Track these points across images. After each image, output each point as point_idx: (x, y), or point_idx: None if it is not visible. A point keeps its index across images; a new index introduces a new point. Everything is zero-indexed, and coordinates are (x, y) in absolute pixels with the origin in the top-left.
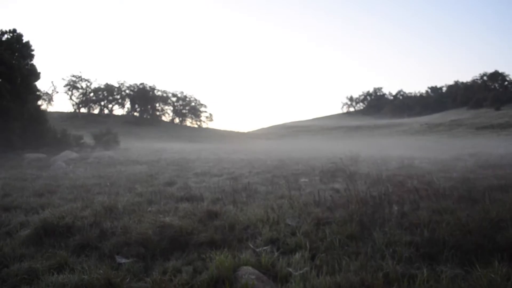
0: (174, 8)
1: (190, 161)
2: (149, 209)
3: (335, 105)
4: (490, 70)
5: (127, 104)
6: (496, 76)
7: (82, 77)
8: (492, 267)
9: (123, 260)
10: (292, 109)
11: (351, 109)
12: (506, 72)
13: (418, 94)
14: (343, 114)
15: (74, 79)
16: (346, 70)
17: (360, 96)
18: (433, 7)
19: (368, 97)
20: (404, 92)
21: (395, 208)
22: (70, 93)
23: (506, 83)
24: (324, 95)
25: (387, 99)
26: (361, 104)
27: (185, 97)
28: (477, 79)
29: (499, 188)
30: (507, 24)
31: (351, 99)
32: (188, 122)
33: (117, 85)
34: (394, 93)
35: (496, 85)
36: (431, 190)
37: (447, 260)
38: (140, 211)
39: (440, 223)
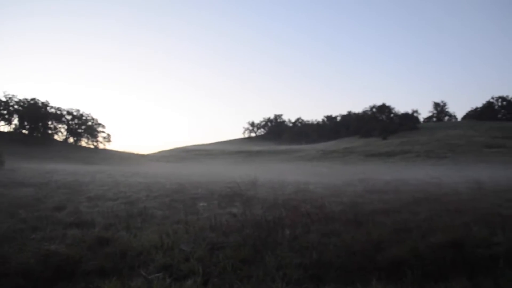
0: (67, 20)
1: (83, 184)
2: (33, 236)
3: (237, 130)
4: (379, 102)
5: (15, 121)
6: (384, 109)
7: None
8: (370, 285)
9: None
10: (193, 133)
11: (253, 134)
12: (392, 105)
13: (315, 122)
14: (245, 139)
15: None
16: (248, 97)
17: (261, 122)
18: (326, 44)
19: (269, 123)
20: (303, 120)
21: (287, 231)
22: None
23: (392, 115)
24: (226, 120)
25: (286, 125)
26: (262, 129)
27: (81, 115)
28: (367, 110)
29: (383, 212)
30: (391, 61)
31: (252, 124)
32: (84, 142)
33: (4, 99)
34: (293, 120)
35: (384, 116)
36: (322, 214)
37: (333, 280)
38: (22, 239)
39: (328, 245)
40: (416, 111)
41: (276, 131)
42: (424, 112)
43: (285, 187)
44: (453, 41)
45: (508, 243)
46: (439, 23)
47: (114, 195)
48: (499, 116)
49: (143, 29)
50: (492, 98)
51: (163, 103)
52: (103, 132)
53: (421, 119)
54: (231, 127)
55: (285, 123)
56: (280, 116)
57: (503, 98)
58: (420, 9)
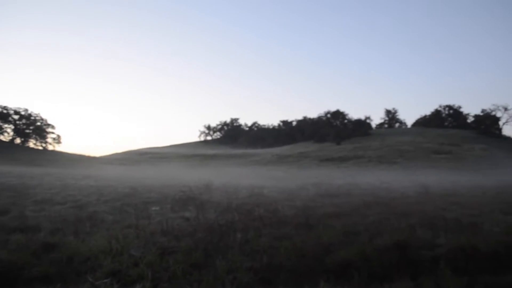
0: (21, 19)
1: (30, 187)
2: None
3: (192, 133)
4: (333, 108)
5: None
6: (338, 114)
7: None
8: (318, 287)
9: None
10: (148, 135)
11: (208, 138)
12: (346, 112)
13: (271, 127)
14: (200, 142)
15: None
16: (204, 100)
17: (217, 125)
18: (283, 49)
19: (225, 127)
20: (259, 124)
21: (239, 235)
22: None
23: (345, 121)
24: (182, 123)
25: (243, 129)
26: (218, 133)
27: (30, 115)
28: (322, 116)
29: (334, 215)
30: (346, 68)
31: (208, 128)
32: (32, 144)
33: None
34: (249, 125)
35: (338, 122)
36: (275, 218)
37: (282, 283)
38: None
39: (279, 249)
40: (368, 118)
41: (232, 135)
42: (376, 118)
43: (240, 191)
44: (403, 50)
45: (449, 245)
46: (389, 34)
47: (63, 198)
48: (446, 124)
49: (97, 27)
50: (440, 106)
51: (117, 104)
52: (52, 133)
53: (374, 126)
54: (187, 130)
55: (242, 127)
56: (236, 120)
57: (450, 107)
58: (372, 19)
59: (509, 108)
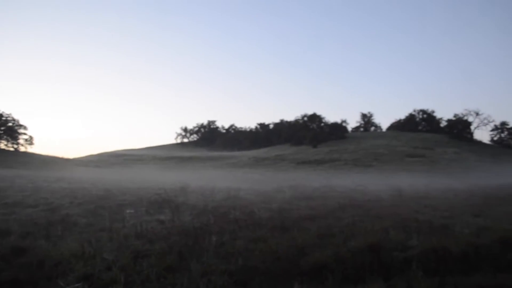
0: None
1: (0, 189)
2: None
3: (169, 135)
4: (310, 112)
5: None
6: (314, 118)
7: None
8: None
9: None
10: (123, 137)
11: (185, 140)
12: (323, 115)
13: (248, 129)
14: (177, 144)
15: None
16: (181, 102)
17: (194, 127)
18: (260, 52)
19: (202, 129)
20: (236, 127)
21: (214, 238)
22: None
23: (322, 124)
24: (158, 125)
25: (220, 132)
26: (195, 135)
27: (1, 116)
28: (299, 119)
29: (309, 218)
30: (323, 71)
31: (185, 130)
32: (3, 145)
33: None
34: (226, 127)
35: (314, 125)
36: (250, 220)
37: (257, 285)
38: None
39: (254, 251)
40: (345, 121)
41: (209, 137)
42: (352, 122)
43: (216, 194)
44: (379, 55)
45: (421, 247)
46: (366, 39)
47: (35, 201)
48: (420, 128)
49: (72, 25)
50: (414, 110)
51: (91, 105)
52: (24, 134)
53: (350, 129)
54: (163, 132)
55: (219, 129)
56: (213, 122)
57: (423, 111)
58: (349, 23)
59: (480, 113)
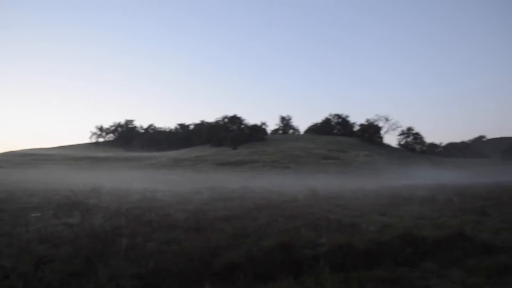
0: None
1: None
2: None
3: (83, 135)
4: (231, 113)
5: None
6: (235, 119)
7: None
8: None
9: None
10: (32, 135)
11: (101, 140)
12: (243, 117)
13: (168, 130)
14: (92, 144)
15: None
16: (96, 99)
17: (111, 126)
18: (179, 53)
19: (119, 129)
20: (155, 127)
21: (125, 241)
22: None
23: (242, 126)
24: (71, 123)
25: (138, 132)
26: (111, 135)
27: None
28: (219, 120)
29: (225, 219)
30: (244, 74)
31: (101, 129)
32: None
33: None
34: (145, 127)
35: (235, 127)
36: (165, 222)
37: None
38: None
39: (166, 253)
40: (264, 124)
41: (126, 137)
42: (272, 124)
43: (131, 195)
44: (298, 60)
45: (329, 244)
46: (286, 44)
47: None
48: (335, 131)
49: None
50: (330, 115)
51: None
52: None
53: (269, 131)
54: (77, 131)
55: (137, 129)
56: (131, 121)
57: (338, 116)
58: (270, 25)
59: (389, 118)
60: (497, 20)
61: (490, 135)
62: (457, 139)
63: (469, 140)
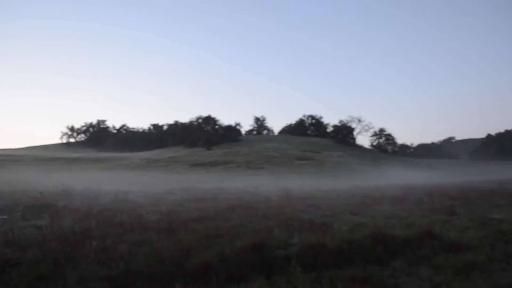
0: None
1: None
2: None
3: (53, 135)
4: (205, 114)
5: None
6: (209, 120)
7: None
8: None
9: None
10: None
11: (72, 140)
12: (217, 117)
13: (141, 130)
14: (62, 144)
15: None
16: (68, 99)
17: (82, 127)
18: (154, 52)
19: (91, 129)
20: (128, 127)
21: (95, 243)
22: None
23: (216, 126)
24: (41, 123)
25: (110, 132)
26: (82, 135)
27: None
28: (193, 121)
29: (198, 219)
30: (219, 74)
31: (72, 129)
32: None
33: None
34: (118, 127)
35: (209, 127)
36: (137, 224)
37: None
38: None
39: (138, 255)
40: (239, 124)
41: (98, 137)
42: (246, 125)
43: (103, 197)
44: (272, 59)
45: (301, 244)
46: (259, 43)
47: None
48: (309, 132)
49: None
50: (304, 116)
51: None
52: None
53: (243, 132)
54: (46, 131)
55: (109, 129)
56: (103, 121)
57: (312, 117)
58: (245, 25)
59: (362, 120)
60: (476, 21)
61: (459, 137)
62: (427, 140)
63: (439, 141)
